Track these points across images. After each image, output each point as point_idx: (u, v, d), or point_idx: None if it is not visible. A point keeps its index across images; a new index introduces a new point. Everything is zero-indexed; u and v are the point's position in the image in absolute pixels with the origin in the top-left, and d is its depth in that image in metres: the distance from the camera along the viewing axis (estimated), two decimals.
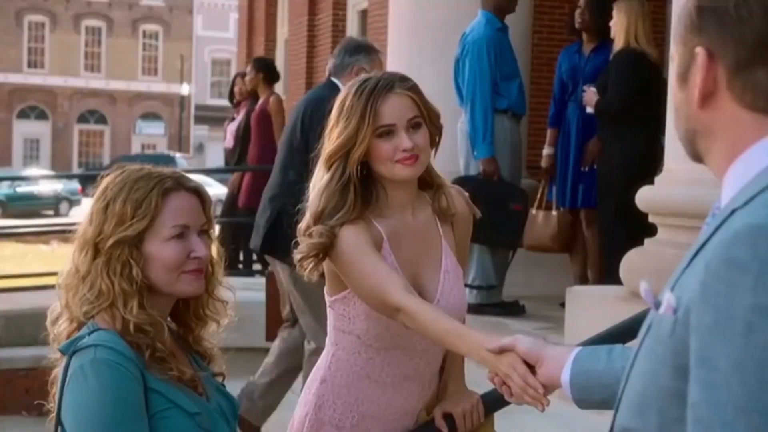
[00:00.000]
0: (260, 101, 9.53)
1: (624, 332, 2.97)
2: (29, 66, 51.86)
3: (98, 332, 2.08)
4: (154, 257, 2.13)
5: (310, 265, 2.59)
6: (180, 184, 2.17)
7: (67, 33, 51.99)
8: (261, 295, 7.37)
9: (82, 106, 52.06)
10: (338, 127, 2.60)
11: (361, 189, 2.59)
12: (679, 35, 1.48)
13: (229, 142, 10.10)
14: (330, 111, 4.59)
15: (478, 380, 3.03)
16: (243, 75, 10.26)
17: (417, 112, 2.60)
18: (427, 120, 2.62)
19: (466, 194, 2.79)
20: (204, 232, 2.20)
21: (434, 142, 2.67)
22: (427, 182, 2.70)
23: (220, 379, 2.32)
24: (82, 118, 52.37)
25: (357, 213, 2.56)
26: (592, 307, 4.92)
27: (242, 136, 9.77)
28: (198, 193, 2.20)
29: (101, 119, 52.80)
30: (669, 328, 1.34)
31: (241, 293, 7.29)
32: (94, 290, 2.10)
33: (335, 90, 5.47)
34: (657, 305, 1.40)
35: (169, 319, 2.23)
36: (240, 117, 9.93)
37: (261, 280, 8.74)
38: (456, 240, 2.74)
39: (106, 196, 2.14)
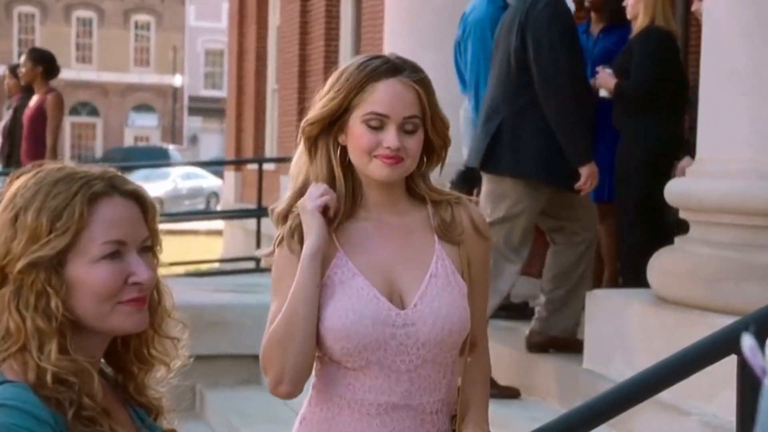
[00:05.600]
0: (36, 98, 8.57)
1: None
2: (19, 58, 51.37)
3: (3, 386, 1.57)
4: (80, 284, 1.62)
5: None
6: (113, 187, 1.66)
7: (58, 24, 51.52)
8: (246, 298, 6.95)
9: (73, 98, 51.47)
10: (326, 97, 2.21)
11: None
12: None
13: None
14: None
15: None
16: (13, 67, 9.43)
17: (417, 111, 2.17)
18: (429, 125, 2.19)
19: (481, 216, 2.33)
20: (147, 250, 1.70)
21: (438, 157, 2.25)
22: (417, 194, 2.27)
23: None
24: (74, 111, 51.88)
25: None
26: (616, 314, 4.47)
27: (9, 134, 8.88)
28: (138, 198, 1.69)
29: (93, 111, 52.41)
30: None
31: (226, 296, 6.90)
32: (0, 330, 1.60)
33: None
34: (764, 370, 0.93)
35: (103, 361, 1.74)
36: (9, 114, 9.08)
37: (245, 280, 8.33)
38: (468, 258, 2.27)
39: (15, 205, 1.63)
